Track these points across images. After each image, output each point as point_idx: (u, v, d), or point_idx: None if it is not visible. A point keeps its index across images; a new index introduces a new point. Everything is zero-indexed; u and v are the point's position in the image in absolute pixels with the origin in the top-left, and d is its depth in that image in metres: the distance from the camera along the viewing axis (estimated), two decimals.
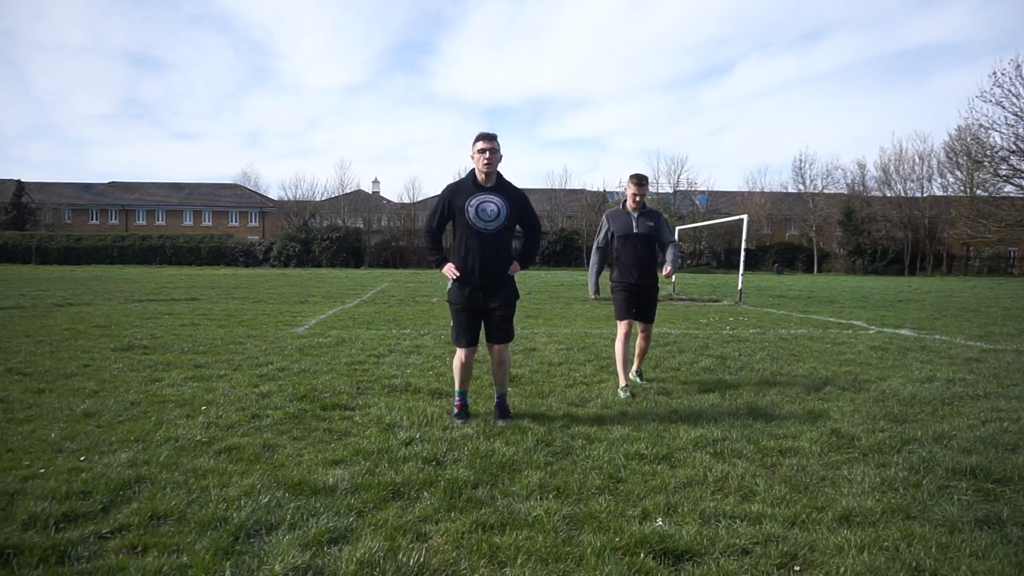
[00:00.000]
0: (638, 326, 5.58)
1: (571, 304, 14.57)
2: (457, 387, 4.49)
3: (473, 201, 4.26)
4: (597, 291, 5.60)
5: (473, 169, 4.36)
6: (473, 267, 4.26)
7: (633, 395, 5.09)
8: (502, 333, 4.42)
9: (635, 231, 5.41)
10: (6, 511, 2.73)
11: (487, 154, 4.23)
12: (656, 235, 5.46)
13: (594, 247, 5.73)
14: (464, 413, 4.45)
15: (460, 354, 4.41)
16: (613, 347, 7.62)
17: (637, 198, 5.39)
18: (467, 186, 4.34)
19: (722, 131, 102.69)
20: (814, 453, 3.68)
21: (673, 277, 5.89)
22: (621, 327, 5.42)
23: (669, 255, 5.59)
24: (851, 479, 3.26)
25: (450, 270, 4.32)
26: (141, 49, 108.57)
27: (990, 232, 40.86)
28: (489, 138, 4.27)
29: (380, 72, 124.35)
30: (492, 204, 4.27)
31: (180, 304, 13.22)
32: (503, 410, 4.46)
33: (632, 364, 5.71)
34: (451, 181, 4.48)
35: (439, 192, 4.50)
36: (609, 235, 5.58)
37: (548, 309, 13.14)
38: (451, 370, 4.62)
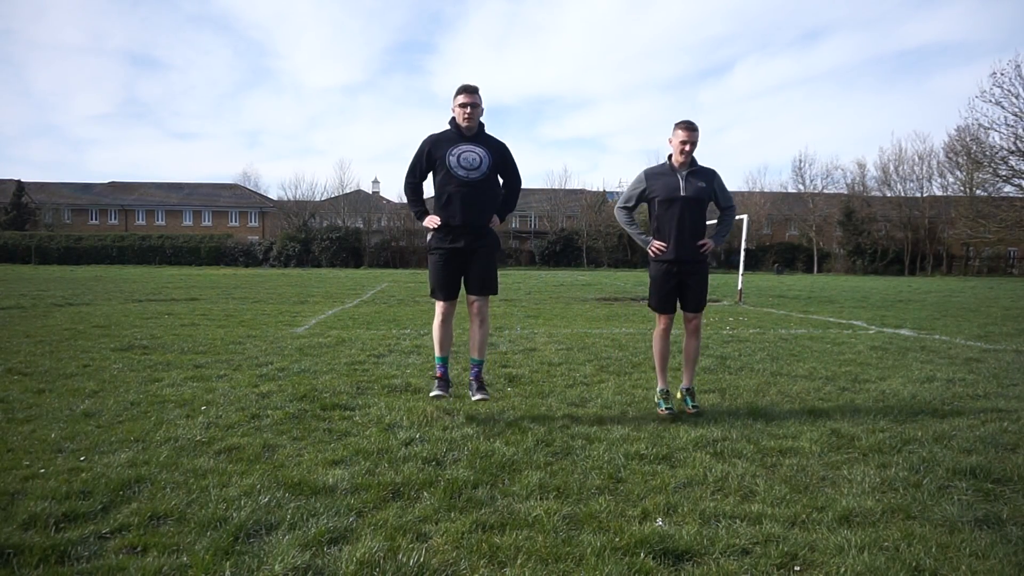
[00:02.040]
0: (682, 317, 4.55)
1: (571, 304, 14.57)
2: (437, 352, 4.40)
3: (455, 151, 4.20)
4: (645, 235, 4.56)
5: (453, 119, 4.29)
6: (454, 215, 4.19)
7: (672, 410, 4.37)
8: (483, 286, 4.30)
9: (683, 193, 4.34)
10: (6, 511, 2.73)
11: (468, 108, 4.18)
12: (711, 197, 4.46)
13: (617, 206, 4.67)
14: (445, 383, 4.37)
15: (439, 310, 4.32)
16: (613, 349, 7.63)
17: (686, 147, 4.30)
18: (448, 137, 4.27)
19: (722, 131, 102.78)
20: (814, 453, 3.68)
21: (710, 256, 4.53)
22: (660, 321, 4.50)
23: (719, 225, 4.58)
24: (851, 479, 3.26)
25: (432, 220, 4.26)
26: (140, 49, 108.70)
27: (990, 232, 40.89)
28: (470, 91, 4.20)
29: (380, 72, 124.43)
30: (474, 154, 4.21)
31: (180, 304, 13.22)
32: (480, 382, 4.34)
33: (674, 374, 4.75)
34: (432, 132, 4.40)
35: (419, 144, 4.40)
36: (646, 197, 4.49)
37: (548, 309, 13.13)
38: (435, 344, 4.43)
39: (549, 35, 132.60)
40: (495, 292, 4.42)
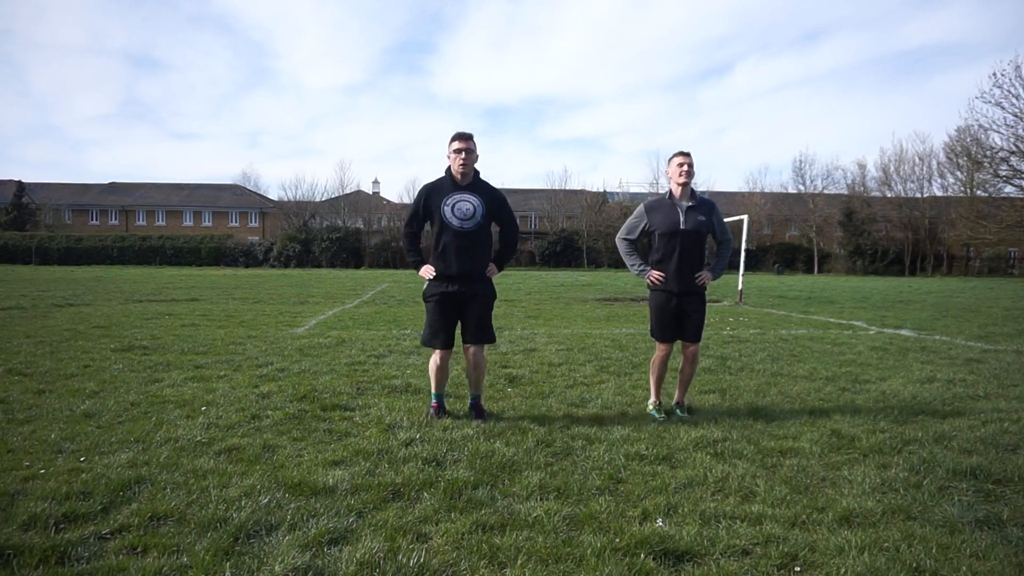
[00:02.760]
0: (679, 346, 4.61)
1: (571, 304, 14.57)
2: (433, 390, 4.43)
3: (449, 200, 4.24)
4: (643, 266, 4.57)
5: (449, 168, 4.32)
6: (450, 265, 4.23)
7: (666, 418, 4.45)
8: (479, 333, 4.32)
9: (683, 227, 4.40)
10: (6, 511, 2.73)
11: (463, 154, 4.21)
12: (709, 231, 4.52)
13: (619, 236, 4.70)
14: (441, 412, 4.40)
15: (435, 357, 4.33)
16: (613, 349, 7.62)
17: (685, 167, 4.38)
18: (444, 186, 4.30)
19: (722, 131, 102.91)
20: (814, 454, 3.68)
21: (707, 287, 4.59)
22: (660, 349, 4.55)
23: (716, 259, 4.66)
24: (851, 480, 3.26)
25: (427, 270, 4.31)
26: (140, 49, 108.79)
27: (990, 233, 40.85)
28: (465, 138, 4.24)
29: (380, 72, 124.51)
30: (468, 203, 4.24)
31: (180, 305, 13.22)
32: (478, 411, 4.41)
33: (663, 390, 4.77)
34: (427, 181, 4.45)
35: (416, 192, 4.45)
36: (647, 231, 4.55)
37: (548, 309, 13.13)
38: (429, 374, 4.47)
39: (549, 35, 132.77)
40: (492, 341, 4.42)
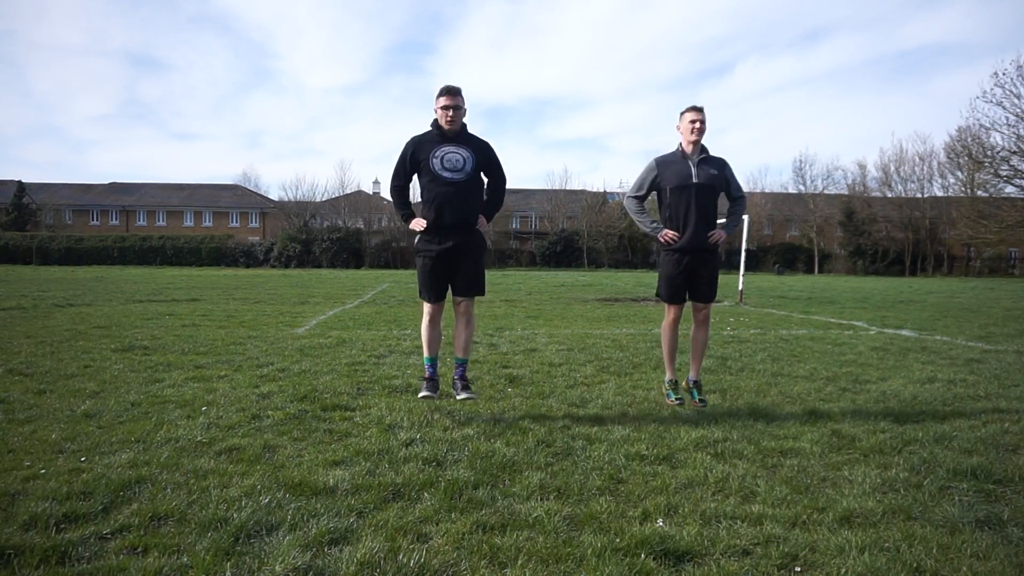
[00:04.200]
0: (691, 308, 4.45)
1: (571, 304, 14.56)
2: (426, 353, 4.38)
3: (438, 152, 4.18)
4: (656, 223, 4.44)
5: (436, 121, 4.26)
6: (441, 217, 4.17)
7: (681, 400, 4.38)
8: (471, 285, 4.28)
9: (695, 180, 4.29)
10: (7, 512, 2.73)
11: (450, 111, 4.15)
12: (722, 186, 4.41)
13: (627, 195, 4.59)
14: (434, 384, 4.36)
15: (427, 312, 4.30)
16: (613, 350, 7.62)
17: (696, 124, 4.28)
18: (431, 138, 4.24)
19: (722, 131, 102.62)
20: (815, 454, 3.68)
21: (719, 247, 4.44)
22: (670, 312, 4.41)
23: (729, 216, 4.51)
24: (852, 480, 3.26)
25: (418, 223, 4.25)
26: (141, 50, 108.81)
27: (991, 233, 40.81)
28: (452, 92, 4.17)
29: (380, 73, 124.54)
30: (457, 155, 4.19)
31: (181, 305, 13.23)
32: (464, 381, 4.31)
33: (681, 366, 4.57)
34: (414, 134, 4.38)
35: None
36: (656, 185, 4.40)
37: (548, 310, 13.13)
38: (423, 348, 4.45)
39: (549, 36, 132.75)
40: (482, 293, 4.40)
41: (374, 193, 59.58)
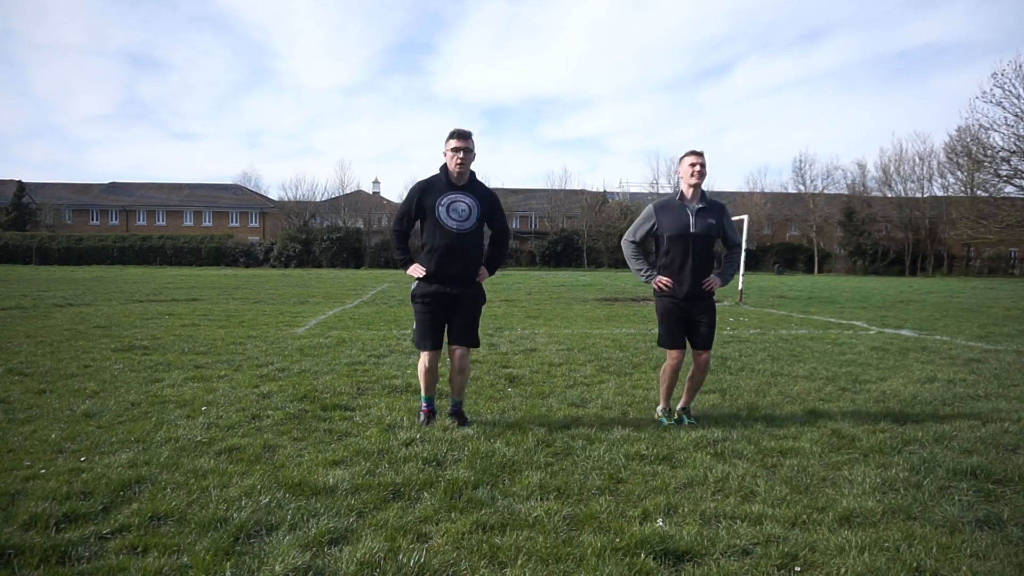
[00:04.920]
0: (690, 354, 4.42)
1: (571, 304, 14.57)
2: (423, 393, 4.33)
3: (444, 200, 4.12)
4: (650, 271, 4.43)
5: (444, 166, 4.21)
6: (441, 267, 4.12)
7: (675, 424, 4.37)
8: (465, 336, 4.22)
9: (693, 230, 4.26)
10: (7, 511, 2.73)
11: (461, 154, 4.09)
12: (719, 235, 4.40)
13: (625, 239, 4.57)
14: (431, 418, 4.31)
15: (424, 359, 4.22)
16: (613, 350, 7.63)
17: (697, 168, 4.26)
18: (438, 184, 4.19)
19: (722, 131, 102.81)
20: (815, 454, 3.68)
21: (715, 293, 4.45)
22: (671, 358, 4.36)
23: (725, 264, 4.54)
24: (852, 480, 3.26)
25: (416, 269, 4.20)
26: (140, 50, 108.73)
27: (991, 232, 40.83)
28: (463, 136, 4.12)
29: (379, 72, 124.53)
30: (463, 204, 4.14)
31: (180, 305, 13.23)
32: (460, 417, 4.28)
33: (677, 397, 4.59)
34: (420, 179, 4.31)
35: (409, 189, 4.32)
36: (655, 233, 4.41)
37: (548, 309, 13.13)
38: (421, 376, 4.36)
39: (549, 35, 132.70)
40: (476, 345, 4.34)
41: (374, 193, 59.62)
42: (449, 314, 4.23)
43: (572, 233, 51.95)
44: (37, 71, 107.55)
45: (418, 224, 4.30)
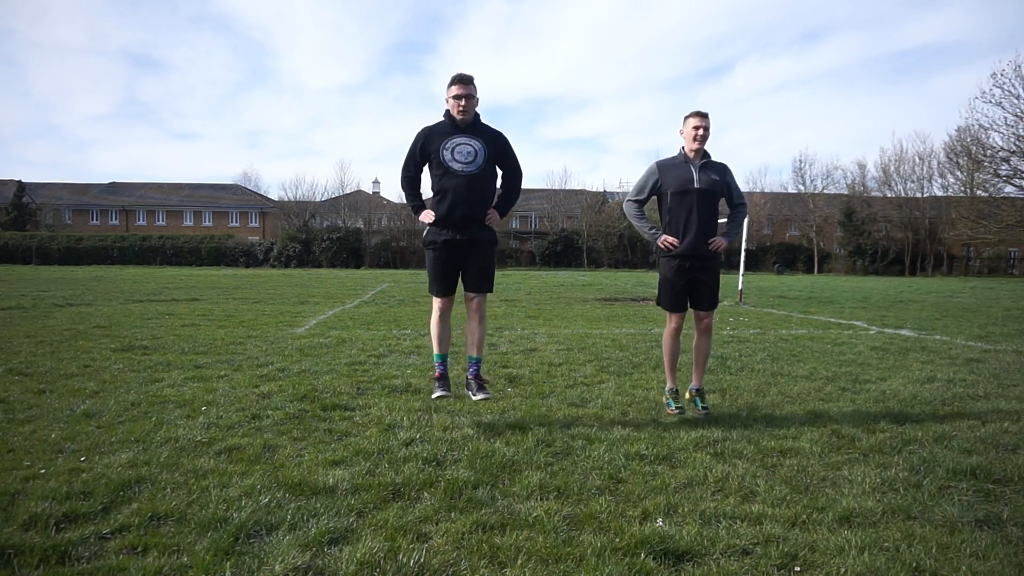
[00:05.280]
0: (692, 316, 4.38)
1: (571, 304, 14.56)
2: (436, 349, 4.27)
3: (449, 144, 4.06)
4: (655, 229, 4.38)
5: (448, 111, 4.15)
6: (450, 210, 4.06)
7: (682, 410, 4.36)
8: (482, 281, 4.17)
9: (696, 185, 4.21)
10: (7, 511, 2.73)
11: (462, 101, 4.03)
12: (723, 192, 4.35)
13: (627, 199, 4.50)
14: (445, 382, 4.25)
15: (436, 306, 4.19)
16: (613, 349, 7.62)
17: (700, 131, 4.21)
18: (442, 129, 4.13)
19: (722, 131, 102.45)
20: (815, 453, 3.68)
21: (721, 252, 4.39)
22: (671, 320, 4.34)
23: (730, 223, 4.48)
24: (851, 479, 3.26)
25: (427, 215, 4.15)
26: (140, 49, 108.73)
27: (990, 232, 40.84)
28: (464, 81, 4.06)
29: (379, 72, 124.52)
30: (469, 146, 4.07)
31: (180, 304, 13.23)
32: (479, 381, 4.19)
33: (682, 365, 4.48)
34: (426, 124, 4.24)
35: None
36: (657, 190, 4.34)
37: (548, 309, 13.13)
38: (433, 342, 4.34)
39: (549, 35, 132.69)
40: (491, 290, 4.30)
41: (374, 193, 59.63)
42: (462, 261, 4.17)
43: (572, 233, 51.95)
44: (37, 71, 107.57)
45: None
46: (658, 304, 4.41)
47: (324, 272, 38.41)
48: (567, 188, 56.43)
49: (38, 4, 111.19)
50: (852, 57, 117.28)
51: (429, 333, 4.44)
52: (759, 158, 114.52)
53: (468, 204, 4.07)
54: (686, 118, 4.34)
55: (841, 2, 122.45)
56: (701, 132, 4.23)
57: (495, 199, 4.32)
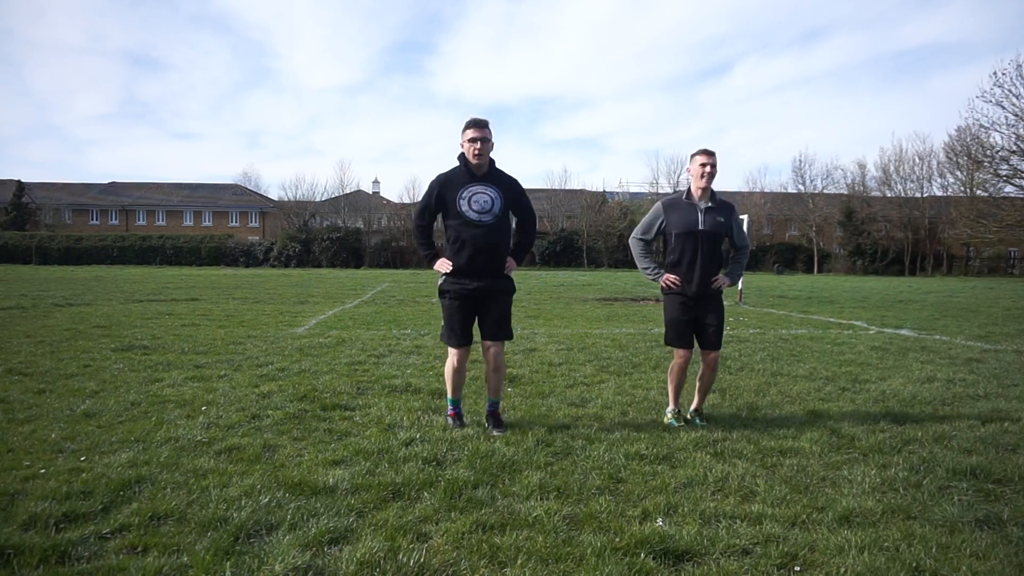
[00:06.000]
0: (699, 353, 4.40)
1: (571, 304, 14.57)
2: (450, 395, 4.24)
3: (465, 193, 4.02)
4: (657, 269, 4.42)
5: (462, 155, 4.11)
6: (470, 261, 4.02)
7: (686, 422, 4.38)
8: (499, 331, 4.16)
9: (701, 227, 4.24)
10: (7, 511, 2.73)
11: (478, 144, 3.99)
12: (727, 234, 4.37)
13: (633, 236, 4.52)
14: (459, 421, 4.22)
15: (452, 356, 4.15)
16: (613, 349, 7.62)
17: (707, 168, 4.23)
18: (458, 177, 4.09)
19: (722, 131, 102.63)
20: (814, 453, 3.68)
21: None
22: (678, 356, 4.35)
23: (732, 265, 4.56)
24: (851, 479, 3.26)
25: (443, 264, 4.11)
26: (140, 49, 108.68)
27: (990, 232, 40.86)
28: (480, 125, 4.03)
29: (379, 72, 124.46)
30: (485, 195, 4.04)
31: (180, 304, 13.23)
32: (496, 419, 4.17)
33: (686, 398, 4.58)
34: (440, 172, 4.21)
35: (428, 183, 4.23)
36: (663, 230, 4.39)
37: (548, 309, 13.13)
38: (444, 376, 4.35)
39: (548, 35, 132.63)
40: (510, 338, 4.27)
41: (374, 193, 59.62)
42: (480, 309, 4.14)
43: (572, 233, 51.95)
44: (36, 71, 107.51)
45: (440, 220, 4.22)
46: (665, 343, 4.43)
47: (324, 272, 38.41)
48: (567, 188, 56.42)
49: (38, 4, 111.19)
50: (852, 57, 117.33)
51: (439, 375, 4.34)
52: (759, 158, 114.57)
53: (487, 254, 4.04)
54: (693, 156, 4.37)
55: (841, 2, 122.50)
56: (708, 169, 4.24)
57: (511, 246, 4.29)
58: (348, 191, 55.94)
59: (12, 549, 2.39)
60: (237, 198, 59.28)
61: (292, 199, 55.00)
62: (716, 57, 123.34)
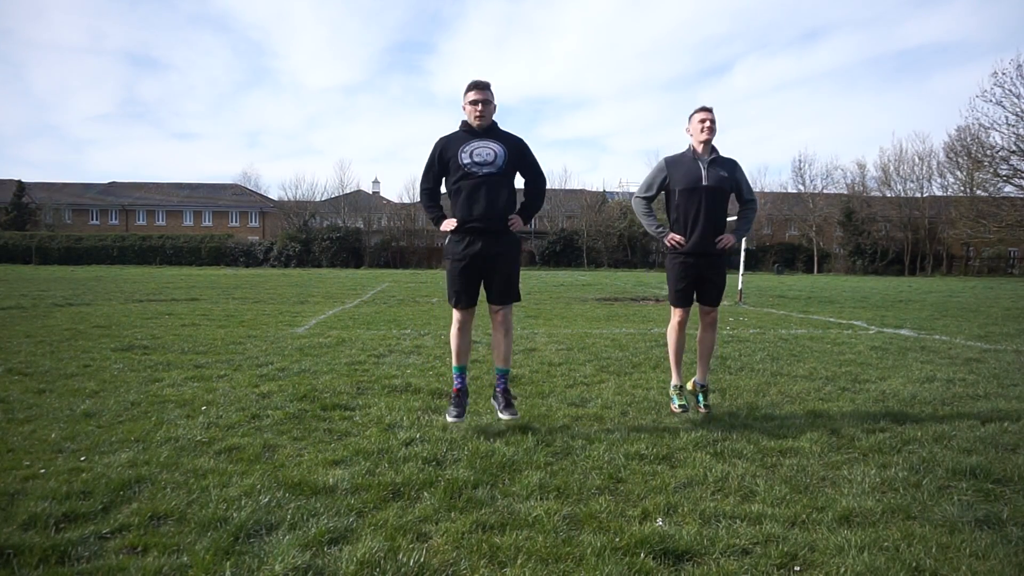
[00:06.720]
0: (698, 311, 4.38)
1: (571, 304, 14.57)
2: (455, 361, 4.15)
3: (467, 148, 3.96)
4: (662, 227, 4.36)
5: (465, 121, 4.07)
6: (470, 212, 3.93)
7: (685, 408, 4.35)
8: (506, 294, 4.08)
9: (705, 183, 4.17)
10: (6, 511, 2.73)
11: (479, 106, 3.95)
12: (733, 189, 4.28)
13: (636, 195, 4.47)
14: (461, 401, 4.10)
15: (456, 318, 4.08)
16: (613, 349, 7.62)
17: (707, 123, 4.17)
18: (460, 136, 4.04)
19: (721, 131, 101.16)
20: (814, 453, 3.68)
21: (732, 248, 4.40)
22: (675, 314, 4.34)
23: (739, 221, 4.45)
24: (851, 479, 3.26)
25: (448, 223, 4.03)
26: (140, 49, 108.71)
27: (990, 232, 40.89)
28: (481, 87, 3.98)
29: (378, 72, 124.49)
30: (488, 148, 3.96)
31: (180, 304, 13.22)
32: (506, 397, 4.05)
33: (684, 367, 4.50)
34: (442, 134, 4.16)
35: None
36: (665, 186, 4.32)
37: (548, 309, 13.13)
38: (450, 361, 4.22)
39: (548, 35, 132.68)
40: (518, 299, 4.21)
41: (374, 193, 59.65)
42: (484, 271, 4.06)
43: (572, 233, 51.95)
44: (36, 71, 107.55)
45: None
46: (669, 300, 4.41)
47: (324, 272, 38.40)
48: (567, 188, 56.41)
49: (37, 4, 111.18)
50: (852, 57, 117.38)
51: (449, 342, 4.29)
52: (759, 158, 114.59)
53: (488, 205, 3.92)
54: (691, 115, 4.32)
55: (841, 2, 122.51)
56: (708, 124, 4.20)
57: (518, 206, 4.20)
58: (348, 191, 55.96)
59: (12, 549, 2.39)
60: (237, 198, 59.27)
61: (292, 199, 55.01)
62: (716, 57, 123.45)
